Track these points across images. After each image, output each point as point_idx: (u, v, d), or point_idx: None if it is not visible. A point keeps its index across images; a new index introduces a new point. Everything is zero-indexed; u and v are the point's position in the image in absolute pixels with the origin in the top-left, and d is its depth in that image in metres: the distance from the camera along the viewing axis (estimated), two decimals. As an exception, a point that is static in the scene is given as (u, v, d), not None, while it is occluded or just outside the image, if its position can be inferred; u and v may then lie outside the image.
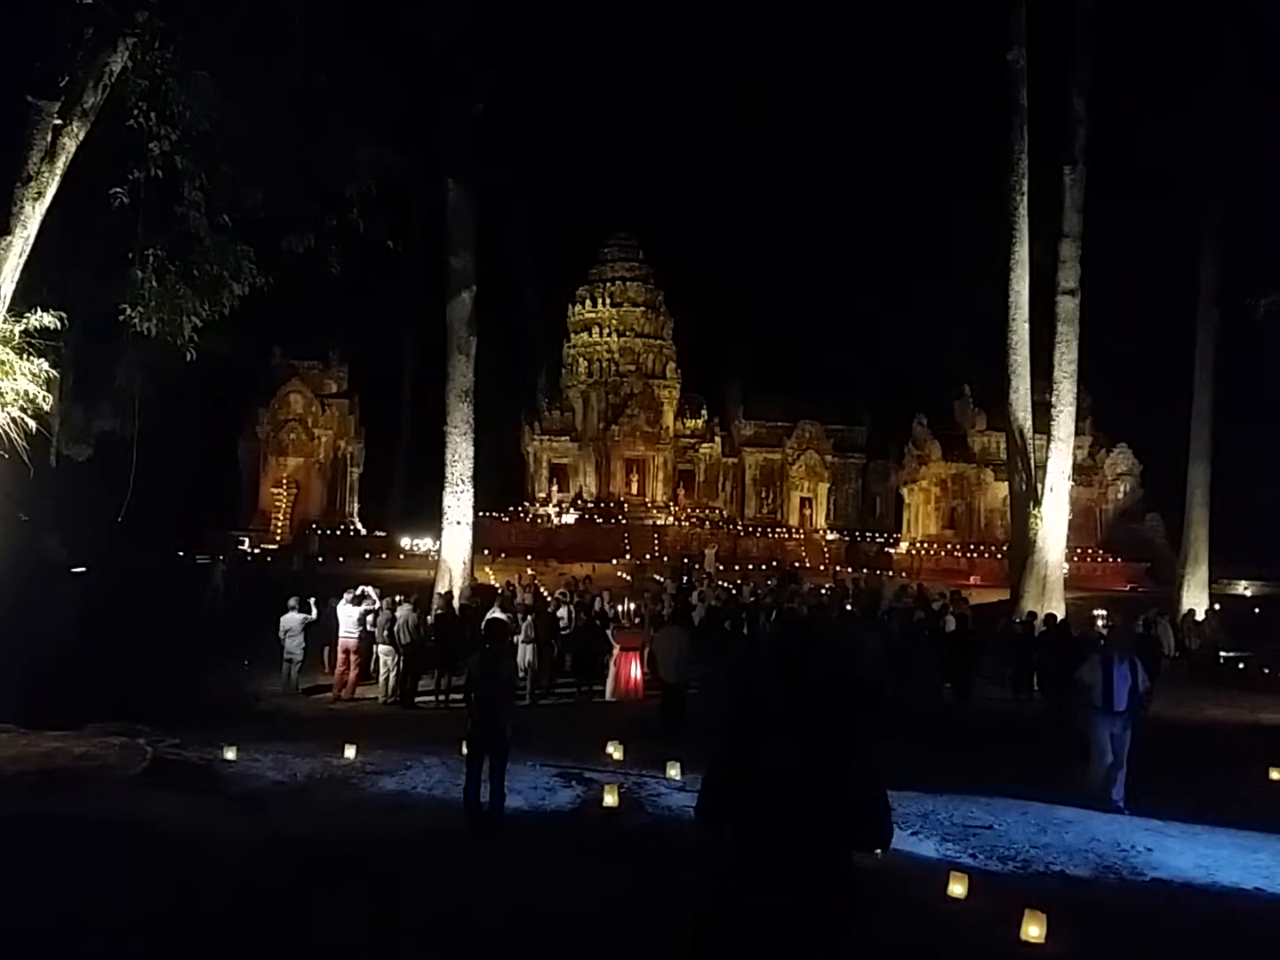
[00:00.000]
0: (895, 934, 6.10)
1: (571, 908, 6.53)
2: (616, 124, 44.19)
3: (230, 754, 10.63)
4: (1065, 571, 25.25)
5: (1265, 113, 23.34)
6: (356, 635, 16.44)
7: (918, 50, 37.81)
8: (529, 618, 16.75)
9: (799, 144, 50.77)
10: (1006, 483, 27.10)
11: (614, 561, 35.63)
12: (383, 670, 16.32)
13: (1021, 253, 23.19)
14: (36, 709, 11.63)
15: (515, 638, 16.08)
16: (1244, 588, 34.27)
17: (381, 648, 16.29)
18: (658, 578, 29.08)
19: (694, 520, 43.61)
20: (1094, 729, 10.05)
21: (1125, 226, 28.32)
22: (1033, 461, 23.72)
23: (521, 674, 15.74)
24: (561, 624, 17.40)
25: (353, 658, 16.44)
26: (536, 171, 31.63)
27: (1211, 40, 25.11)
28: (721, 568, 35.57)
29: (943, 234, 38.82)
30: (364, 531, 41.09)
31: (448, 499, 23.16)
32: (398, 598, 16.99)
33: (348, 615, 16.53)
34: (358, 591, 17.19)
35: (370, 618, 16.61)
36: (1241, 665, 20.86)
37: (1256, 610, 28.55)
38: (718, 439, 46.04)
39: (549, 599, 19.90)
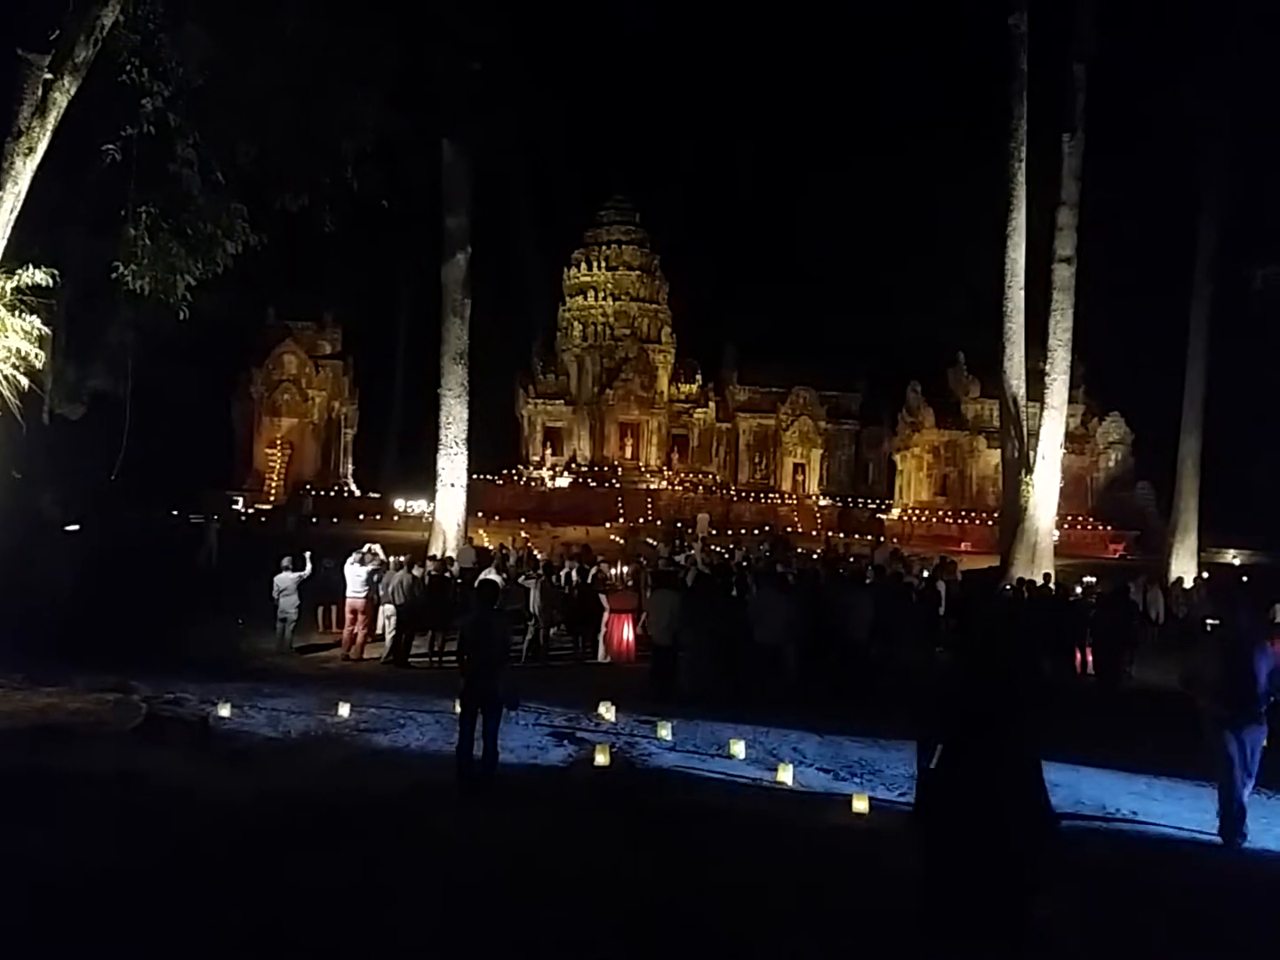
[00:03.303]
0: (876, 902, 6.22)
1: (561, 864, 6.63)
2: (614, 86, 43.84)
3: (224, 711, 10.71)
4: (1055, 539, 25.38)
5: (1265, 83, 23.18)
6: (364, 595, 16.41)
7: (918, 13, 37.42)
8: (528, 578, 16.81)
9: (798, 109, 50.44)
10: (999, 450, 27.17)
11: (607, 525, 35.67)
12: (385, 629, 16.38)
13: (1018, 220, 23.08)
14: (31, 665, 11.72)
15: (529, 588, 16.22)
16: (1232, 556, 34.49)
17: (386, 608, 16.34)
18: (650, 541, 29.16)
19: (687, 485, 43.66)
20: (1213, 738, 7.75)
21: (1123, 195, 28.13)
22: (1025, 429, 23.76)
23: (529, 633, 15.97)
24: (562, 587, 17.45)
25: (360, 617, 16.46)
26: (534, 132, 31.37)
27: (1211, 9, 24.87)
28: (714, 532, 35.64)
29: (940, 201, 38.64)
30: (358, 493, 41.07)
31: (442, 461, 23.20)
32: (403, 558, 16.96)
33: (355, 575, 16.48)
34: (365, 551, 17.16)
35: (377, 577, 16.63)
36: (1228, 633, 20.97)
37: (1244, 579, 28.72)
38: (712, 404, 45.96)
39: (550, 562, 19.87)
